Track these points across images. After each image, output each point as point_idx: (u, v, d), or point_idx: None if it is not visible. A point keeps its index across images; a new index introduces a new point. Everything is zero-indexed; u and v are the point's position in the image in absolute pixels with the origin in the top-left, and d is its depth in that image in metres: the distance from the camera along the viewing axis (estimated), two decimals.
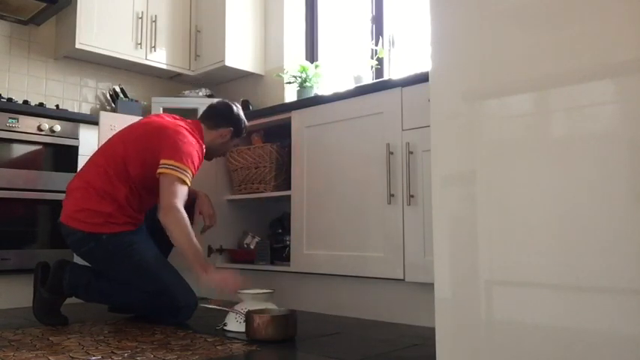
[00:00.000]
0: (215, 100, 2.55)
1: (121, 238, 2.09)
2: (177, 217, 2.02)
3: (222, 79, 3.70)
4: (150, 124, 2.23)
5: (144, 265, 2.09)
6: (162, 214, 2.04)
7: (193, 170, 2.12)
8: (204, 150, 2.28)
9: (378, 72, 3.05)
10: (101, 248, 2.08)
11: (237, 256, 2.87)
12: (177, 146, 2.10)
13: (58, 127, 2.74)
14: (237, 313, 1.88)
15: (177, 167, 2.06)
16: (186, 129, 2.21)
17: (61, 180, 2.66)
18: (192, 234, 2.05)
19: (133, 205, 2.14)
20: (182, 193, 2.06)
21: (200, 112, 3.31)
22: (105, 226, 2.07)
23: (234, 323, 1.89)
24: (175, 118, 2.30)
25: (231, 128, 2.37)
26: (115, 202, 2.09)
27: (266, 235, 3.08)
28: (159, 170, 2.06)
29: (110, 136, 2.30)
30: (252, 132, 2.93)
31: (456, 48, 1.19)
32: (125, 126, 2.31)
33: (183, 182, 2.06)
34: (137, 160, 2.12)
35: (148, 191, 2.15)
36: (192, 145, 2.15)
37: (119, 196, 2.09)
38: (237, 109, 2.42)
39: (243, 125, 2.42)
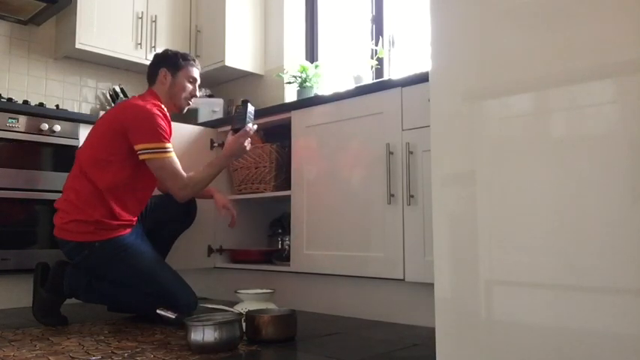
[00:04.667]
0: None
1: (114, 243, 2.08)
2: (192, 190, 2.19)
3: (222, 79, 3.70)
4: (107, 119, 2.18)
5: (140, 267, 2.09)
6: (179, 199, 2.20)
7: (168, 139, 2.13)
8: (165, 105, 2.26)
9: (378, 72, 3.05)
10: (95, 255, 2.07)
11: (237, 256, 2.87)
12: (141, 126, 2.08)
13: (58, 127, 2.73)
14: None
15: (156, 149, 2.07)
16: (140, 101, 2.18)
17: (60, 180, 2.64)
18: (203, 178, 2.22)
19: (124, 205, 2.11)
20: (176, 168, 2.13)
21: (200, 112, 3.34)
22: (96, 234, 2.06)
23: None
24: (127, 101, 2.30)
25: (163, 68, 2.30)
26: (102, 208, 2.06)
27: (266, 235, 3.09)
28: (141, 157, 2.07)
29: None
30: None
31: (456, 48, 1.19)
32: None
33: (170, 158, 2.11)
34: (108, 162, 2.08)
35: (133, 186, 2.12)
36: (151, 112, 2.10)
37: (106, 199, 2.07)
38: (164, 50, 2.40)
39: (174, 57, 2.33)
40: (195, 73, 2.38)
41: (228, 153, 2.27)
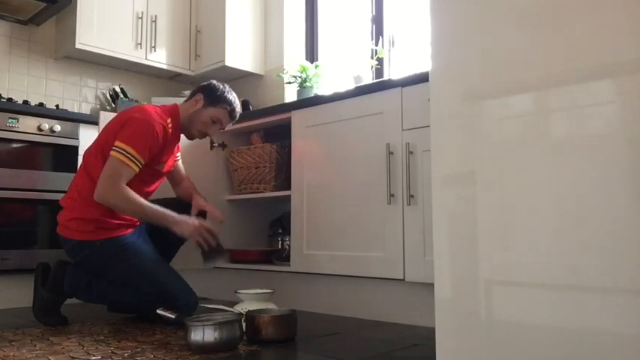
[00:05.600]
0: None
1: (115, 242, 2.08)
2: (114, 202, 2.01)
3: (222, 79, 3.66)
4: (117, 116, 2.20)
5: (141, 267, 2.09)
6: (95, 196, 2.01)
7: (141, 152, 2.03)
8: (179, 126, 2.24)
9: (378, 72, 3.05)
10: (96, 254, 2.08)
11: (237, 256, 2.87)
12: (129, 128, 2.05)
13: (58, 127, 2.74)
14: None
15: (127, 152, 2.01)
16: (150, 108, 2.15)
17: (60, 180, 2.66)
18: (139, 202, 2.03)
19: None
20: (122, 176, 2.00)
21: None
22: (97, 233, 2.07)
23: None
24: (140, 105, 2.26)
25: (201, 94, 2.26)
26: (102, 206, 2.06)
27: (266, 235, 3.08)
28: (110, 152, 2.03)
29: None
30: (252, 132, 2.93)
31: (456, 48, 1.19)
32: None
33: (126, 165, 2.01)
34: (104, 161, 2.07)
35: (135, 186, 2.10)
36: (149, 123, 2.06)
37: None
38: (219, 83, 2.32)
39: (218, 94, 2.27)
40: (224, 117, 2.29)
41: (180, 222, 2.08)
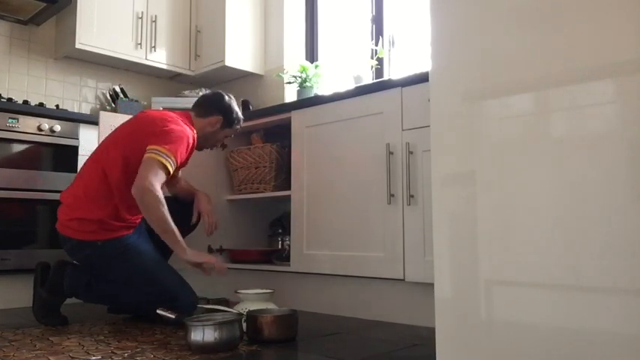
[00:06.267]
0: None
1: (116, 242, 2.08)
2: (151, 196, 1.96)
3: (222, 79, 3.70)
4: (137, 120, 2.22)
5: (142, 267, 2.09)
6: (134, 191, 1.98)
7: (177, 158, 2.06)
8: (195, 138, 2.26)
9: (378, 72, 3.05)
10: (97, 254, 2.08)
11: (237, 256, 2.87)
12: (163, 133, 2.07)
13: (58, 127, 2.73)
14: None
15: (161, 152, 2.02)
16: (173, 118, 2.17)
17: (60, 180, 2.66)
18: (167, 214, 2.00)
19: (128, 207, 2.11)
20: (160, 174, 2.01)
21: None
22: (99, 233, 2.06)
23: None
24: (164, 110, 2.29)
25: (221, 117, 2.33)
26: (107, 207, 2.07)
27: (266, 235, 3.08)
28: (145, 155, 2.02)
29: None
30: (252, 132, 2.93)
31: (455, 48, 1.19)
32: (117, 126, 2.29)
33: (164, 167, 2.01)
34: (124, 159, 2.09)
35: None
36: (181, 132, 2.10)
37: (111, 200, 2.08)
38: (230, 99, 2.38)
39: (234, 115, 2.37)
40: (234, 133, 2.46)
41: (188, 254, 2.05)
